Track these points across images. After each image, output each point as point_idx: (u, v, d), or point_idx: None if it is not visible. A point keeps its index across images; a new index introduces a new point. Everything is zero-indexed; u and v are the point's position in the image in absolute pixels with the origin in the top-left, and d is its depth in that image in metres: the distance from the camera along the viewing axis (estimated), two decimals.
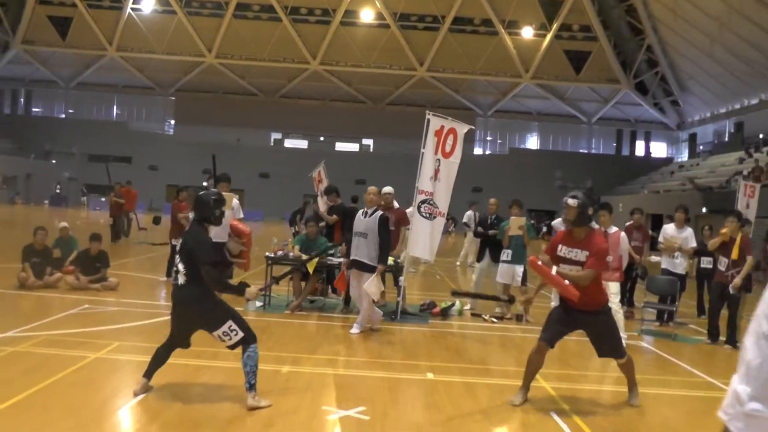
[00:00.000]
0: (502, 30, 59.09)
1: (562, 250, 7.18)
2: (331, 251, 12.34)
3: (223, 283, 6.70)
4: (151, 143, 64.64)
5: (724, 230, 11.32)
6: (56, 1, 60.31)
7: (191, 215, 6.92)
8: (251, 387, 6.41)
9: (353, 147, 67.79)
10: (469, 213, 21.68)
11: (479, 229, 13.67)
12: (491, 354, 10.13)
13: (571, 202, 7.04)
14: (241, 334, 6.44)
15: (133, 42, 61.83)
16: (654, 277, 13.10)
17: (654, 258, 14.13)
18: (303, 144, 68.93)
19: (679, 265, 13.12)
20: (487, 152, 70.06)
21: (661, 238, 13.39)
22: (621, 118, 67.34)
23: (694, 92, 58.31)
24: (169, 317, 6.74)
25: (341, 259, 12.27)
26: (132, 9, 60.16)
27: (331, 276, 13.44)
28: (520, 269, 12.65)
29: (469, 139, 58.47)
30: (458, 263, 23.53)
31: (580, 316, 7.13)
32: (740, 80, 48.69)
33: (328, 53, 61.77)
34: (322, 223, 13.43)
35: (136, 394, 6.46)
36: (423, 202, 12.14)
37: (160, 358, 6.70)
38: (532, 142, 71.30)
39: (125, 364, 7.83)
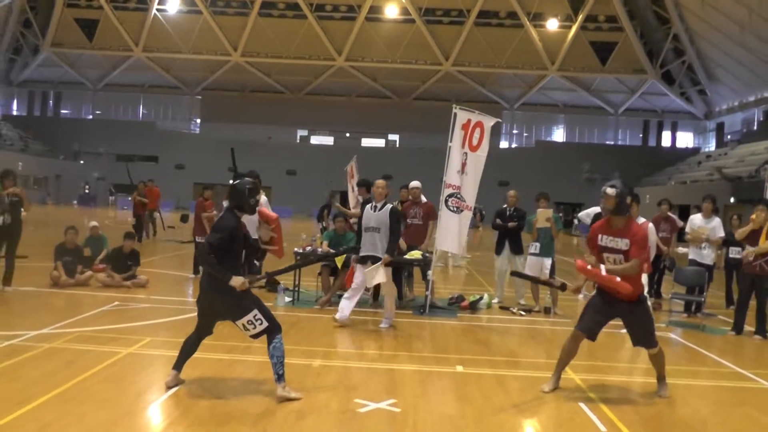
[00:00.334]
0: (528, 22, 58.82)
1: (603, 240, 7.25)
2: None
3: (210, 262, 6.46)
4: (178, 142, 65.10)
5: (754, 216, 11.23)
6: (83, 4, 60.88)
7: (225, 203, 6.94)
8: (280, 378, 6.48)
9: (379, 142, 67.84)
10: None
11: (497, 221, 13.61)
12: (520, 346, 10.14)
13: (610, 191, 7.12)
14: (265, 324, 6.50)
15: (159, 42, 62.24)
16: (682, 268, 13.03)
17: (681, 249, 14.04)
18: (329, 140, 69.07)
19: (707, 255, 13.02)
20: (514, 145, 69.83)
21: (688, 229, 13.31)
22: (647, 109, 66.85)
23: (722, 81, 57.68)
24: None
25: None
26: (157, 10, 60.54)
27: None
28: (548, 262, 12.62)
29: (496, 133, 58.24)
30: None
31: (618, 305, 7.20)
32: None
33: (353, 49, 61.82)
34: (353, 219, 13.44)
35: (168, 386, 6.58)
36: (450, 195, 12.16)
37: (188, 349, 6.79)
38: (559, 135, 70.95)
39: (157, 359, 7.93)
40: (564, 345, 7.42)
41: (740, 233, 11.41)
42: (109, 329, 9.25)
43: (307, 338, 9.45)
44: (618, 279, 6.97)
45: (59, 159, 62.13)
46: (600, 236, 7.29)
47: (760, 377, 8.41)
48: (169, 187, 56.72)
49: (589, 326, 7.28)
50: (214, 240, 6.47)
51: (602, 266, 7.10)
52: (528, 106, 68.29)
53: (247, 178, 6.93)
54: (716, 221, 13.16)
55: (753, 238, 11.14)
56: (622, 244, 7.12)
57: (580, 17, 58.06)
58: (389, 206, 10.42)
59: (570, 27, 58.92)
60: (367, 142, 66.89)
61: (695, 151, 64.37)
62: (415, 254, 12.24)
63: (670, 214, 13.95)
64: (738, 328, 11.32)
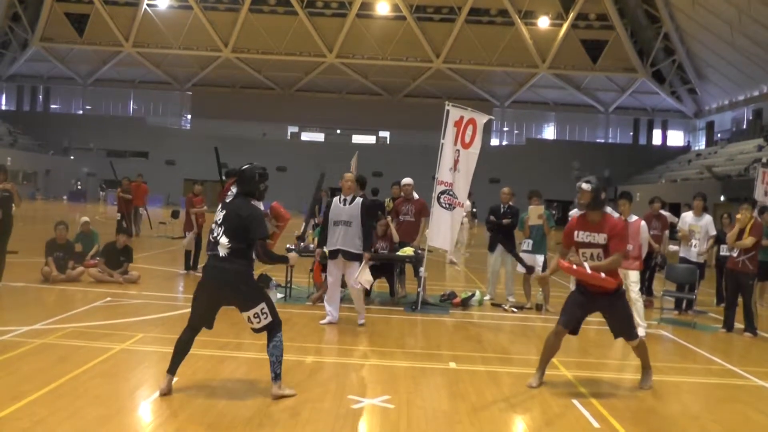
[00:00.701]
0: (519, 20, 58.89)
1: (580, 236, 7.31)
2: None
3: (273, 256, 6.59)
4: (168, 138, 65.04)
5: (739, 216, 11.34)
6: None
7: (234, 189, 6.72)
8: (277, 377, 6.42)
9: (370, 139, 67.84)
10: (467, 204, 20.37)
11: (491, 217, 13.60)
12: (513, 343, 10.16)
13: (585, 186, 7.22)
14: (270, 318, 6.39)
15: (150, 37, 62.11)
16: (673, 266, 13.09)
17: (672, 247, 14.10)
18: (320, 137, 69.06)
19: (695, 253, 13.08)
20: (504, 143, 70.03)
21: (678, 227, 13.37)
22: (638, 107, 67.14)
23: (712, 80, 57.93)
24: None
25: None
26: (148, 5, 60.41)
27: None
28: (540, 258, 12.66)
29: (486, 130, 58.25)
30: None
31: (597, 298, 7.28)
32: (759, 67, 48.31)
33: (344, 46, 61.80)
34: None
35: (162, 393, 6.28)
36: (443, 192, 12.16)
37: (182, 349, 6.47)
38: (549, 132, 71.14)
39: (150, 354, 7.93)
40: (547, 340, 7.50)
41: (731, 236, 11.45)
42: (102, 325, 9.22)
43: (300, 335, 9.45)
44: (602, 275, 7.06)
45: (49, 154, 61.96)
46: (576, 232, 7.34)
47: (751, 374, 8.46)
48: (160, 183, 56.71)
49: (570, 321, 7.37)
50: (264, 231, 6.41)
51: (586, 264, 7.14)
52: (519, 104, 68.48)
53: (256, 164, 6.71)
54: (707, 219, 13.22)
55: (742, 237, 11.24)
56: (600, 238, 7.19)
57: (571, 15, 58.18)
58: (359, 200, 10.24)
59: (561, 25, 59.04)
60: (357, 138, 66.87)
61: (685, 149, 64.65)
62: (407, 251, 12.25)
63: (662, 211, 13.99)
64: (728, 325, 11.40)
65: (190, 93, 69.25)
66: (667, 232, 13.88)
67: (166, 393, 6.29)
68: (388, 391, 6.85)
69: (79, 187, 61.51)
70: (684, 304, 13.06)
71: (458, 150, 12.15)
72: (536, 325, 11.47)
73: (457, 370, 7.97)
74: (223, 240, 6.33)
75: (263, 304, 6.37)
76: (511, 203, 13.45)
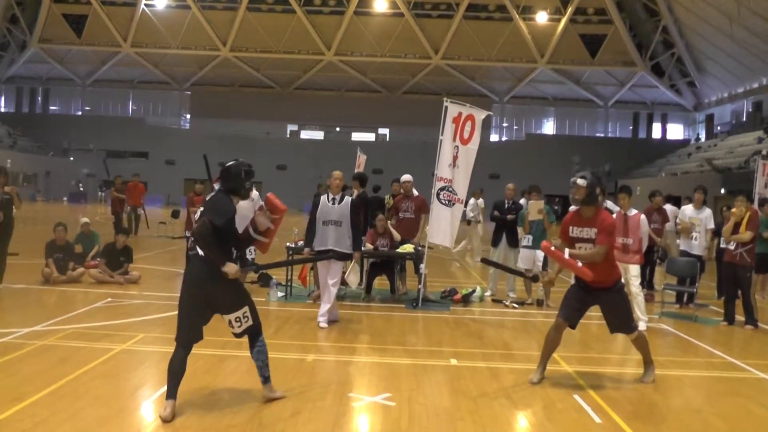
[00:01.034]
0: (517, 15, 58.80)
1: (574, 231, 7.36)
2: None
3: (209, 243, 5.84)
4: (168, 138, 64.97)
5: (734, 210, 11.35)
6: (71, 0, 60.53)
7: (216, 186, 6.39)
8: (266, 379, 6.30)
9: (369, 137, 67.73)
10: (473, 202, 20.48)
11: (495, 213, 13.62)
12: (514, 339, 10.16)
13: (581, 182, 7.24)
14: (251, 322, 6.13)
15: (148, 37, 62.02)
16: (673, 259, 13.10)
17: (677, 242, 14.10)
18: (319, 135, 69.04)
19: (698, 246, 13.07)
20: (504, 138, 69.96)
21: (678, 219, 13.35)
22: (637, 101, 67.05)
23: (711, 72, 57.84)
24: None
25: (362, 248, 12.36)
26: (146, 4, 60.28)
27: None
28: (541, 254, 12.62)
29: (486, 126, 58.27)
30: (454, 250, 20.03)
31: (595, 292, 7.31)
32: (759, 59, 48.21)
33: (342, 44, 61.72)
34: None
35: (165, 420, 5.72)
36: (442, 189, 12.16)
37: (177, 371, 5.98)
38: (549, 127, 71.05)
39: (151, 354, 7.93)
40: (547, 334, 7.52)
41: (725, 231, 11.47)
42: (102, 326, 9.22)
43: (301, 333, 9.45)
44: (579, 264, 7.06)
45: (48, 156, 61.92)
46: (571, 228, 7.39)
47: (753, 367, 8.46)
48: (160, 183, 56.75)
49: (570, 314, 7.39)
50: (220, 222, 5.86)
51: (566, 250, 7.18)
52: (518, 99, 68.38)
53: (242, 161, 6.36)
54: (707, 212, 13.20)
55: (737, 231, 11.25)
56: (592, 233, 7.23)
57: (570, 10, 58.07)
58: (348, 198, 10.16)
59: (559, 20, 58.93)
60: (357, 136, 66.74)
61: (685, 142, 64.56)
62: (407, 248, 12.26)
63: (668, 206, 13.98)
64: (729, 318, 11.41)
65: (189, 92, 69.17)
66: (668, 225, 13.87)
67: (169, 420, 5.74)
68: (389, 389, 6.85)
69: (81, 188, 61.49)
70: (685, 298, 13.06)
71: (457, 146, 12.14)
72: (537, 320, 11.47)
73: (458, 366, 7.98)
74: None
75: (246, 308, 6.11)
76: (515, 199, 13.49)
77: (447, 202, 12.19)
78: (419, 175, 15.06)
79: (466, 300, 12.58)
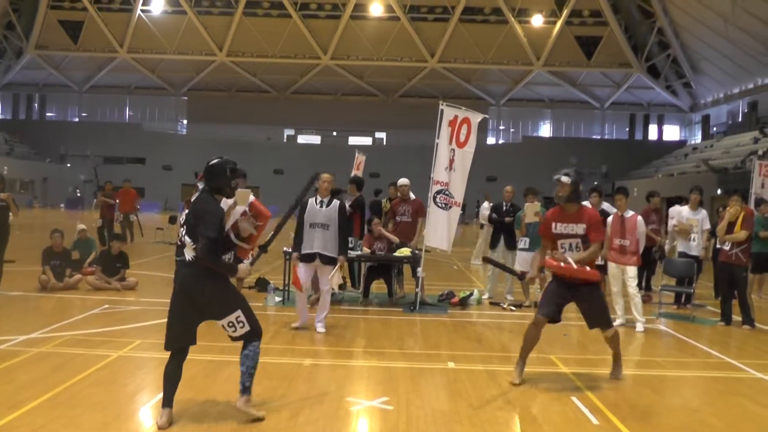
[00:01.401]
0: (512, 18, 58.90)
1: (558, 227, 7.40)
2: (351, 245, 12.45)
3: (216, 259, 5.73)
4: (165, 143, 65.02)
5: (730, 209, 11.36)
6: (67, 6, 60.61)
7: (200, 185, 6.13)
8: (245, 390, 5.94)
9: (366, 141, 67.79)
10: (486, 205, 19.81)
11: (494, 215, 13.64)
12: (511, 341, 10.13)
13: (565, 179, 7.31)
14: (247, 328, 5.86)
15: (144, 43, 62.06)
16: (671, 260, 13.10)
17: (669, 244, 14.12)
18: (316, 139, 69.10)
19: (695, 247, 13.07)
20: (501, 141, 70.07)
21: (675, 221, 13.35)
22: (633, 103, 67.21)
23: (707, 73, 57.95)
24: None
25: (358, 252, 12.38)
26: (142, 10, 60.34)
27: (351, 269, 13.60)
28: None
29: (482, 129, 58.31)
30: (474, 262, 20.63)
31: (576, 289, 7.33)
32: (754, 59, 48.33)
33: (338, 48, 61.79)
34: None
35: (161, 427, 5.66)
36: (439, 192, 12.17)
37: (173, 378, 5.89)
38: (545, 130, 71.17)
39: (148, 361, 7.92)
40: (527, 332, 7.51)
41: (720, 231, 11.49)
42: (99, 332, 9.22)
43: (298, 337, 9.44)
44: (587, 269, 7.16)
45: (45, 162, 61.91)
46: (554, 224, 7.43)
47: (750, 367, 8.46)
48: (157, 189, 56.69)
49: (551, 311, 7.39)
50: (213, 233, 5.64)
51: (570, 260, 7.19)
52: (514, 102, 68.52)
53: (227, 158, 6.15)
54: (703, 213, 13.21)
55: (732, 230, 11.27)
56: (578, 228, 7.30)
57: (565, 12, 58.20)
58: (337, 202, 10.03)
59: (555, 22, 59.05)
60: (354, 140, 66.77)
61: (681, 143, 64.70)
62: (405, 251, 12.26)
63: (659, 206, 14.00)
64: (726, 318, 11.41)
65: (186, 98, 69.26)
66: (672, 222, 13.87)
67: (165, 428, 5.67)
68: (386, 392, 6.84)
69: (78, 194, 61.42)
70: (683, 298, 13.07)
71: (453, 149, 12.16)
72: None
73: (456, 369, 7.97)
74: (187, 240, 5.79)
75: (239, 312, 5.84)
76: (513, 201, 13.51)
77: (444, 205, 12.20)
78: (416, 179, 15.07)
79: (463, 303, 12.59)
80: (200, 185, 6.12)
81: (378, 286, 13.23)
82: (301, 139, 69.83)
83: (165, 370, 5.91)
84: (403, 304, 12.28)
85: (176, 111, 70.39)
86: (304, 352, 8.54)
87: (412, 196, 13.27)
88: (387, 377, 7.51)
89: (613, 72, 62.85)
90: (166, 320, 5.92)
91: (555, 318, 7.48)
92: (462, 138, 12.19)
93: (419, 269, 12.01)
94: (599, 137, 69.21)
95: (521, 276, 8.36)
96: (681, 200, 14.23)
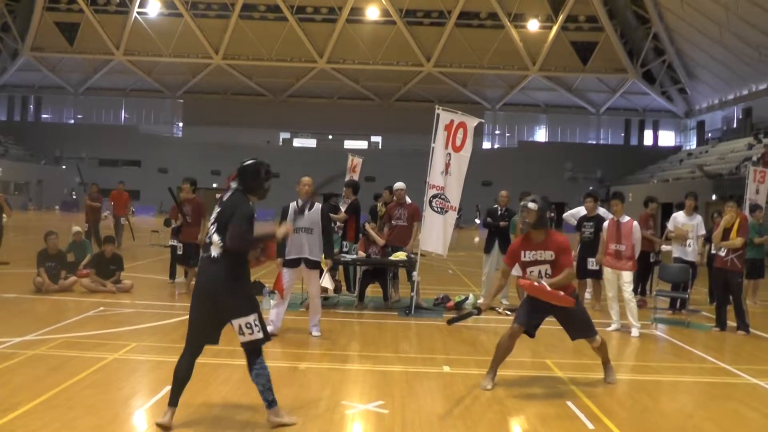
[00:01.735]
0: (508, 23, 59.03)
1: (526, 255, 7.41)
2: (346, 249, 12.48)
3: (250, 240, 5.85)
4: (161, 146, 65.01)
5: (726, 216, 11.39)
6: (63, 8, 60.62)
7: (233, 184, 6.07)
8: (270, 404, 5.89)
9: (362, 144, 67.78)
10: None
11: (489, 219, 13.65)
12: None
13: (532, 206, 7.35)
14: (260, 335, 5.83)
15: (140, 45, 62.08)
16: (666, 265, 13.11)
17: (665, 247, 14.14)
18: (312, 143, 69.12)
19: (691, 252, 13.09)
20: (496, 146, 70.18)
21: (671, 226, 13.37)
22: (629, 108, 67.39)
23: (702, 79, 58.15)
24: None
25: (354, 256, 12.37)
26: (138, 13, 60.35)
27: (346, 273, 13.60)
28: None
29: (478, 133, 58.41)
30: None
31: (553, 304, 7.32)
32: (749, 66, 48.51)
33: (334, 51, 61.84)
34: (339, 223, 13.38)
35: (164, 427, 5.66)
36: (434, 196, 12.18)
37: (183, 378, 5.85)
38: (541, 135, 71.31)
39: (143, 364, 7.91)
40: (500, 341, 7.52)
41: (715, 237, 11.51)
42: (94, 335, 9.20)
43: (293, 341, 9.44)
44: (561, 294, 7.16)
45: (41, 164, 61.82)
46: (523, 252, 7.44)
47: (745, 372, 8.47)
48: (152, 192, 56.59)
49: (527, 322, 7.44)
50: (245, 226, 5.72)
51: (544, 282, 7.21)
52: (510, 107, 68.65)
53: (262, 160, 6.16)
54: (698, 218, 13.23)
55: (726, 235, 11.30)
56: (547, 255, 7.32)
57: (561, 17, 58.33)
58: (318, 205, 9.96)
59: (551, 27, 59.20)
60: (349, 144, 66.75)
61: (677, 149, 64.88)
62: (400, 255, 12.26)
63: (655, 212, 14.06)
64: (721, 323, 11.42)
65: (182, 100, 69.26)
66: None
67: (167, 427, 5.67)
68: (382, 396, 6.84)
69: (73, 196, 61.31)
70: (678, 303, 13.09)
71: (449, 153, 12.17)
72: None
73: (451, 373, 7.97)
74: (215, 238, 5.80)
75: (255, 316, 5.81)
76: (508, 206, 13.51)
77: (439, 209, 12.21)
78: (412, 183, 15.07)
79: (459, 307, 12.57)
80: (233, 185, 6.09)
81: (373, 290, 13.23)
82: (297, 142, 69.85)
83: (176, 368, 5.88)
84: (398, 308, 12.27)
85: (172, 114, 70.40)
86: (299, 355, 8.53)
87: (408, 200, 13.27)
88: (382, 381, 7.51)
89: (608, 77, 63.04)
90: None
91: (530, 332, 7.51)
92: (458, 142, 12.20)
93: (415, 273, 12.02)
94: (594, 142, 69.37)
95: (479, 311, 8.22)
96: (680, 207, 14.29)
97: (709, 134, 60.67)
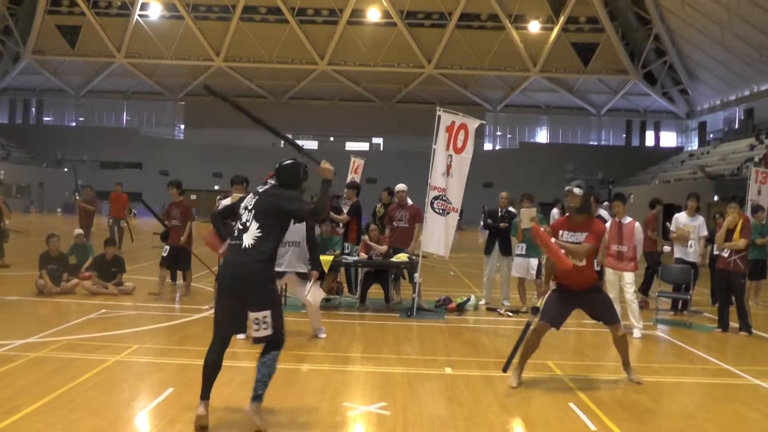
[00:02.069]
0: (509, 25, 58.96)
1: (564, 235, 7.55)
2: (347, 250, 12.47)
3: (322, 201, 6.06)
4: (162, 148, 64.98)
5: (729, 217, 11.40)
6: (65, 11, 60.53)
7: (271, 181, 6.39)
8: (257, 397, 5.88)
9: (363, 146, 67.68)
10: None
11: (489, 221, 13.65)
12: (508, 347, 10.07)
13: (577, 191, 7.46)
14: (270, 331, 5.84)
15: (142, 48, 62.06)
16: (668, 266, 13.10)
17: (666, 248, 14.14)
18: (313, 145, 68.99)
19: (693, 253, 13.09)
20: (497, 147, 70.10)
21: (673, 227, 13.37)
22: (630, 109, 67.30)
23: (703, 80, 58.09)
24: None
25: (356, 258, 12.37)
26: (139, 15, 60.32)
27: (347, 275, 13.59)
28: (534, 262, 12.67)
29: (479, 135, 58.30)
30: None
31: (577, 295, 7.55)
32: (750, 66, 48.44)
33: (335, 53, 61.80)
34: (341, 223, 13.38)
35: (200, 415, 5.76)
36: (436, 198, 12.18)
37: (212, 370, 5.92)
38: (542, 136, 71.25)
39: (145, 366, 7.91)
40: (527, 338, 7.64)
41: (718, 239, 11.52)
42: (97, 337, 9.20)
43: (295, 342, 9.42)
44: (562, 252, 7.27)
45: (42, 167, 61.83)
46: (561, 232, 7.59)
47: (747, 373, 8.47)
48: (154, 194, 56.48)
49: (553, 316, 7.57)
50: (305, 204, 6.06)
51: (552, 238, 7.41)
52: (511, 108, 68.59)
53: (299, 161, 6.41)
54: (700, 219, 13.22)
55: (729, 236, 11.31)
56: (582, 237, 7.45)
57: (562, 19, 58.24)
58: None
59: (551, 28, 59.10)
60: (351, 145, 66.61)
61: (678, 150, 64.78)
62: (402, 257, 12.26)
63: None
64: (723, 324, 11.42)
65: (183, 103, 69.24)
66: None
67: (204, 421, 5.76)
68: (384, 398, 6.84)
69: (77, 197, 61.22)
70: (680, 305, 13.09)
71: (450, 155, 12.17)
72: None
73: (453, 375, 7.97)
74: (253, 226, 5.92)
75: (268, 312, 5.83)
76: (508, 207, 13.51)
77: (441, 211, 12.21)
78: (413, 185, 15.07)
79: (460, 309, 12.58)
80: (270, 182, 6.35)
81: (375, 292, 13.23)
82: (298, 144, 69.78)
83: (205, 360, 5.94)
84: (400, 310, 12.26)
85: (173, 116, 70.36)
86: (301, 357, 8.53)
87: (410, 201, 13.28)
88: (384, 383, 7.51)
89: (609, 78, 62.96)
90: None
91: (556, 325, 7.61)
92: (459, 144, 12.21)
93: (416, 275, 12.02)
94: (596, 143, 69.31)
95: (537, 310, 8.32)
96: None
97: (711, 135, 60.59)
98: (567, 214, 7.74)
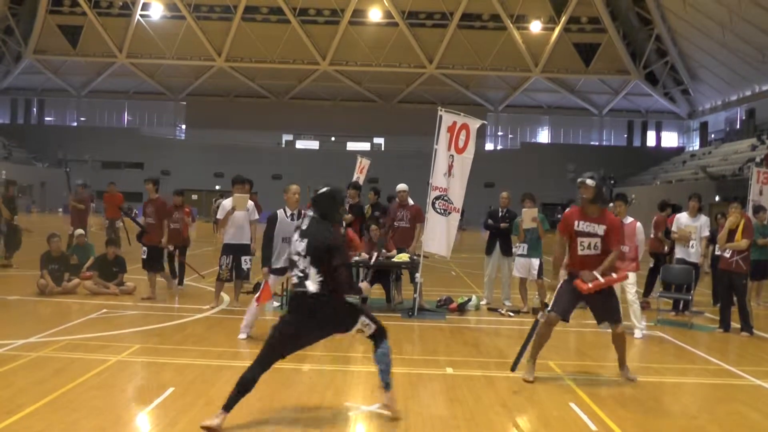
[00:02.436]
0: (511, 25, 58.95)
1: (580, 225, 7.65)
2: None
3: (353, 285, 6.32)
4: (163, 148, 64.92)
5: (731, 218, 11.40)
6: (66, 10, 60.55)
7: (310, 212, 6.35)
8: (387, 386, 6.29)
9: (365, 146, 67.62)
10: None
11: (489, 221, 13.64)
12: (510, 347, 10.12)
13: (590, 182, 7.60)
14: (374, 326, 6.30)
15: (143, 48, 62.06)
16: (669, 267, 13.09)
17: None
18: (314, 145, 69.07)
19: (694, 254, 13.08)
20: (499, 147, 70.08)
21: (674, 228, 13.37)
22: (632, 109, 67.27)
23: (705, 80, 58.06)
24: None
25: (356, 258, 12.36)
26: (141, 15, 60.33)
27: None
28: (536, 262, 12.66)
29: (481, 135, 58.17)
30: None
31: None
32: (751, 67, 48.43)
33: (337, 53, 61.80)
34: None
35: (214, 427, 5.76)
36: (438, 198, 12.17)
37: (246, 388, 5.96)
38: (544, 136, 71.22)
39: (146, 366, 7.90)
40: (539, 330, 7.75)
41: (720, 239, 11.52)
42: (98, 337, 9.20)
43: None
44: (614, 275, 7.55)
45: (44, 167, 61.85)
46: (577, 222, 7.67)
47: (748, 374, 8.47)
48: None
49: (565, 308, 7.68)
50: (345, 258, 6.16)
51: (597, 275, 7.46)
52: (512, 108, 68.53)
53: (335, 187, 6.44)
54: (703, 219, 13.21)
55: (731, 236, 11.31)
56: (599, 229, 7.58)
57: (563, 19, 58.25)
58: (310, 213, 9.77)
59: (553, 29, 59.10)
60: (352, 145, 66.64)
61: (680, 150, 64.77)
62: (403, 257, 12.26)
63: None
64: (725, 325, 11.42)
65: (184, 103, 69.21)
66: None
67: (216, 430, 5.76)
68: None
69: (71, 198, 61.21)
70: (681, 305, 13.08)
71: (452, 155, 12.17)
72: None
73: (454, 375, 7.97)
74: (312, 272, 6.02)
75: (363, 317, 6.25)
76: (509, 207, 13.51)
77: (442, 211, 12.21)
78: (414, 185, 15.07)
79: (461, 309, 12.58)
80: (309, 213, 6.35)
81: (376, 292, 13.22)
82: (300, 144, 69.80)
83: (245, 377, 5.97)
84: (401, 310, 12.26)
85: (175, 116, 70.33)
86: (303, 357, 8.51)
87: (411, 201, 13.28)
88: None
89: (611, 79, 62.93)
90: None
91: (566, 317, 7.69)
92: (461, 144, 12.21)
93: (417, 275, 12.02)
94: (597, 144, 69.27)
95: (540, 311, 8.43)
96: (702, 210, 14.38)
97: (712, 135, 60.59)
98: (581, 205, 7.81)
